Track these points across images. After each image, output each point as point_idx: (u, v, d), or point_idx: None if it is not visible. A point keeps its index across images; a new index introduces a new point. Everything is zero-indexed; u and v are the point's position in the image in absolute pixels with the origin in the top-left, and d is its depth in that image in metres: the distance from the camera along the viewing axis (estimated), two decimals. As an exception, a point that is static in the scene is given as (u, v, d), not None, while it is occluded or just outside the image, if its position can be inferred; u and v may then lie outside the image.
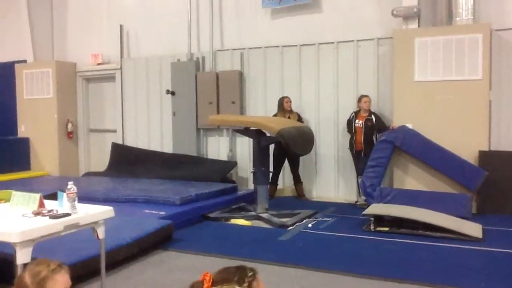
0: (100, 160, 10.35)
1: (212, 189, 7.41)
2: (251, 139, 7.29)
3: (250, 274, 1.58)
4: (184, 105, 9.24)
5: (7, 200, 3.80)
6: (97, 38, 10.43)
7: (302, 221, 6.48)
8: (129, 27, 10.07)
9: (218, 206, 7.08)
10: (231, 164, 8.83)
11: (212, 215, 6.75)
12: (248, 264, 1.84)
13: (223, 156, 9.11)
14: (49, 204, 3.61)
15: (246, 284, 1.54)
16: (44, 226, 3.17)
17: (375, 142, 7.40)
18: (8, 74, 10.82)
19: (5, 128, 10.81)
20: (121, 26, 10.05)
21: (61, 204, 3.47)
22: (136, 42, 10.07)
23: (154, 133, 9.89)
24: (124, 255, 4.68)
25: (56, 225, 3.22)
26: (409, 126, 7.15)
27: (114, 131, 10.40)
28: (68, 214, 3.33)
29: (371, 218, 5.94)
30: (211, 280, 1.55)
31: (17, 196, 3.69)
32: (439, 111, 7.04)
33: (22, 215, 3.36)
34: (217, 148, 9.26)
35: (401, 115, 7.27)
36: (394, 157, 7.27)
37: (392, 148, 7.13)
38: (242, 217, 6.72)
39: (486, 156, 6.81)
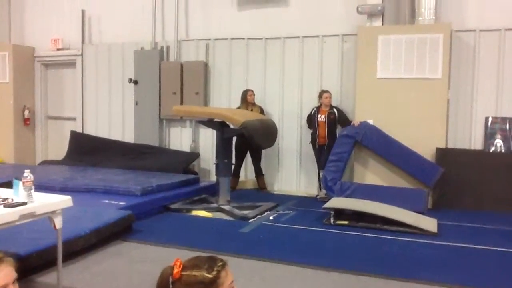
0: (58, 148, 10.08)
1: (174, 180, 7.34)
2: (214, 131, 7.26)
3: (219, 264, 1.64)
4: (147, 94, 9.10)
5: (-41, 187, 3.65)
6: (58, 22, 10.10)
7: (264, 213, 6.51)
8: (91, 12, 9.80)
9: (180, 197, 7.02)
10: (193, 155, 8.77)
11: (173, 206, 6.69)
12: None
13: (185, 147, 9.04)
14: (4, 192, 3.48)
15: (214, 273, 1.59)
16: (-2, 215, 3.06)
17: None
18: (-39, 56, 10.35)
19: (-43, 112, 10.35)
20: (82, 11, 9.77)
21: (17, 193, 3.35)
22: (98, 28, 9.82)
23: (116, 122, 9.70)
24: (82, 246, 4.58)
25: (11, 214, 3.12)
26: (370, 122, 7.29)
27: (74, 119, 10.13)
28: (24, 203, 3.22)
29: (331, 212, 6.03)
30: (181, 266, 1.59)
31: (-31, 183, 3.54)
32: (400, 108, 7.20)
33: (-25, 203, 3.23)
34: (179, 139, 9.18)
35: (362, 111, 7.39)
36: (355, 152, 7.41)
37: (353, 143, 7.25)
38: (204, 209, 6.70)
39: (443, 153, 7.03)
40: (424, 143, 7.04)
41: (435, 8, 7.16)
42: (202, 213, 6.52)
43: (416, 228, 5.59)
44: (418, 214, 6.12)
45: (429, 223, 5.81)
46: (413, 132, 7.09)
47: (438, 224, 5.83)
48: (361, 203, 6.21)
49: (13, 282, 1.77)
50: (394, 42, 7.21)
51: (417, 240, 5.32)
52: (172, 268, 1.59)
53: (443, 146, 7.12)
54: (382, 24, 7.53)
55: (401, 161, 7.07)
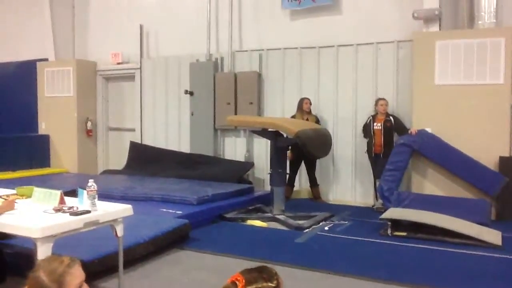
0: (118, 158, 10.45)
1: (228, 190, 7.42)
2: (268, 140, 7.29)
3: (274, 272, 1.66)
4: (202, 105, 9.28)
5: (29, 196, 3.87)
6: (117, 37, 10.53)
7: (319, 223, 6.46)
8: (149, 27, 10.15)
9: (235, 206, 7.09)
10: (248, 165, 8.84)
11: (228, 215, 6.76)
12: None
13: (240, 156, 9.13)
14: (69, 201, 3.65)
15: (275, 282, 1.62)
16: (65, 222, 3.21)
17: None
18: (29, 72, 10.96)
19: (26, 125, 10.98)
20: (141, 26, 10.13)
21: (81, 201, 3.51)
22: (156, 42, 10.15)
23: (172, 132, 9.96)
24: (140, 253, 4.72)
25: (76, 222, 3.27)
26: (429, 130, 7.08)
27: (133, 130, 10.49)
28: (88, 211, 3.37)
29: (388, 223, 5.88)
30: (244, 280, 1.58)
31: (38, 192, 3.75)
32: (459, 115, 6.95)
33: (43, 211, 3.42)
34: (234, 148, 9.28)
35: (420, 119, 7.19)
36: (413, 161, 7.20)
37: (411, 152, 7.06)
38: (258, 218, 6.72)
39: (507, 162, 6.70)
40: (486, 151, 6.75)
41: (496, 11, 6.89)
42: (257, 223, 6.55)
43: (478, 240, 5.36)
44: (481, 226, 5.86)
45: (493, 235, 5.55)
46: (474, 141, 6.82)
47: (503, 237, 5.55)
48: (420, 214, 6.02)
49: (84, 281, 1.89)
50: (452, 47, 6.98)
51: (480, 253, 5.09)
52: (235, 284, 1.59)
53: (507, 154, 6.80)
54: (439, 29, 7.32)
55: (461, 170, 6.80)
